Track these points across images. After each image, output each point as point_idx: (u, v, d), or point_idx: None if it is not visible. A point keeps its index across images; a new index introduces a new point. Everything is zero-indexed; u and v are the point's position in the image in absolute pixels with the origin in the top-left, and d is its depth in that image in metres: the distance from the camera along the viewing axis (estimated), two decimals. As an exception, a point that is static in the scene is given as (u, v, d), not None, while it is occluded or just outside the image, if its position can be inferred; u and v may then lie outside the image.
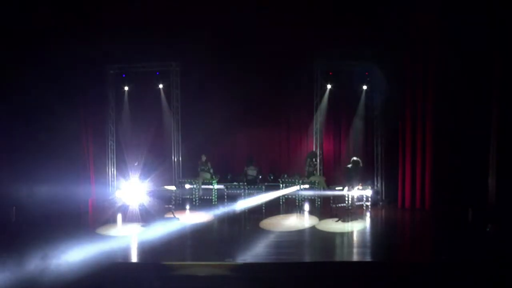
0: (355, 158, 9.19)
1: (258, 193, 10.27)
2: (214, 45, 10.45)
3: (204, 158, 10.81)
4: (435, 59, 9.49)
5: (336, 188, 9.73)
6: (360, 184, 9.58)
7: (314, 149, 11.13)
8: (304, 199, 10.47)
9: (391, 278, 6.33)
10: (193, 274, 6.43)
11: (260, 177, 10.62)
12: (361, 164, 9.14)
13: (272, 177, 11.14)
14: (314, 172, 10.70)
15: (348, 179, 9.21)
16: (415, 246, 7.83)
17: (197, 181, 10.70)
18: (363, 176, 9.67)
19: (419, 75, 9.75)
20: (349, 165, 9.19)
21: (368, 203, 10.01)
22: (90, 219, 9.70)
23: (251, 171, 10.47)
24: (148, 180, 9.46)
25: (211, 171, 10.77)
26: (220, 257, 6.80)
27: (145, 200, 9.05)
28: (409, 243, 8.05)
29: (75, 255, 6.52)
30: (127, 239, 7.96)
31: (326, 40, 10.48)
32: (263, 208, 9.96)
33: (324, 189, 10.28)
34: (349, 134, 11.49)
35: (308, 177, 10.52)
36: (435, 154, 9.59)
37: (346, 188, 9.31)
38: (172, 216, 9.25)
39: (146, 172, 9.74)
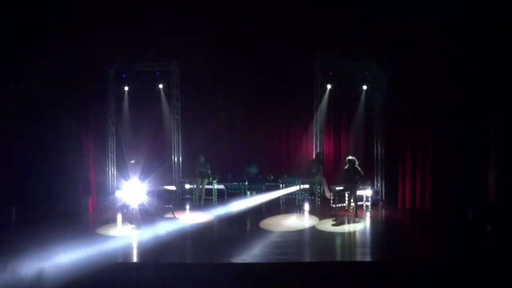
0: (350, 157, 9.17)
1: (258, 193, 10.27)
2: (214, 45, 10.46)
3: (202, 159, 10.68)
4: (435, 59, 9.48)
5: (336, 188, 9.73)
6: (360, 184, 9.56)
7: (314, 149, 11.13)
8: (304, 199, 10.47)
9: (391, 278, 6.33)
10: (193, 274, 6.43)
11: (261, 176, 10.63)
12: (357, 162, 9.13)
13: (272, 177, 11.14)
14: (319, 174, 10.63)
15: (347, 179, 9.21)
16: (415, 246, 7.81)
17: (197, 183, 10.67)
18: (363, 176, 9.65)
19: (419, 74, 9.74)
20: (346, 166, 9.20)
21: (368, 203, 10.00)
22: (90, 219, 9.70)
23: (252, 169, 10.48)
24: (148, 180, 9.45)
25: (209, 172, 10.63)
26: (220, 257, 6.80)
27: (145, 200, 9.04)
28: (409, 243, 8.04)
29: (75, 255, 6.52)
30: (127, 239, 7.95)
31: (326, 40, 10.48)
32: (263, 208, 9.97)
33: (324, 189, 10.28)
34: (349, 134, 11.50)
35: (309, 177, 10.51)
36: (435, 154, 9.57)
37: (345, 188, 9.32)
38: (172, 216, 9.25)
39: (146, 172, 9.73)
